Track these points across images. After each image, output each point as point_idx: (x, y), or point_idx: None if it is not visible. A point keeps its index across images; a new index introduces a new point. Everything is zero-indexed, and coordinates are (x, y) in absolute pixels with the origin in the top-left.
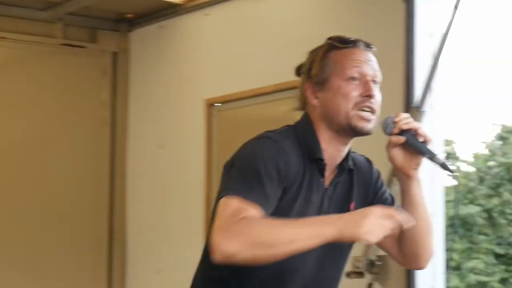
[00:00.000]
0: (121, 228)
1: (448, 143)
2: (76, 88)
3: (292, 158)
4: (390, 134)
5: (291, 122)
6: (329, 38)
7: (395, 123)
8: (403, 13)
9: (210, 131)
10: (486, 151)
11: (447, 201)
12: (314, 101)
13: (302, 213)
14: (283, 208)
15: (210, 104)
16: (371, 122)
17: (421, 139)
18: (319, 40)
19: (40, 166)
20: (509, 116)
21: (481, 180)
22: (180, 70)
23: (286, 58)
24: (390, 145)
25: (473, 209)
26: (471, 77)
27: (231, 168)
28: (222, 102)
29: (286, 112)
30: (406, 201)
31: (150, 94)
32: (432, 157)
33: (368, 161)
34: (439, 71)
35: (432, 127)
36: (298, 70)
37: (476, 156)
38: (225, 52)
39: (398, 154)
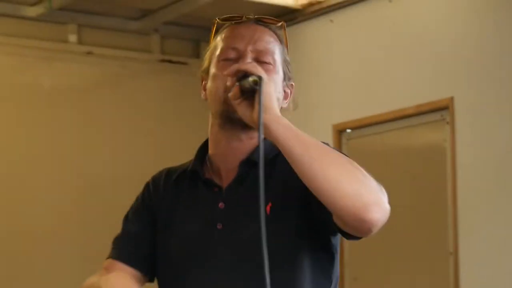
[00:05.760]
0: None
1: None
2: (178, 114)
3: (154, 186)
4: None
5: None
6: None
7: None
8: None
9: None
10: None
11: None
12: (203, 94)
13: (190, 232)
14: (163, 239)
15: (339, 131)
16: None
17: (251, 78)
18: (474, 48)
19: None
20: None
21: None
22: (303, 90)
23: (431, 73)
24: (234, 104)
25: None
26: None
27: None
28: (353, 128)
29: (431, 139)
30: (287, 155)
31: None
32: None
33: None
34: None
35: None
36: None
37: None
38: (355, 66)
39: (245, 109)
